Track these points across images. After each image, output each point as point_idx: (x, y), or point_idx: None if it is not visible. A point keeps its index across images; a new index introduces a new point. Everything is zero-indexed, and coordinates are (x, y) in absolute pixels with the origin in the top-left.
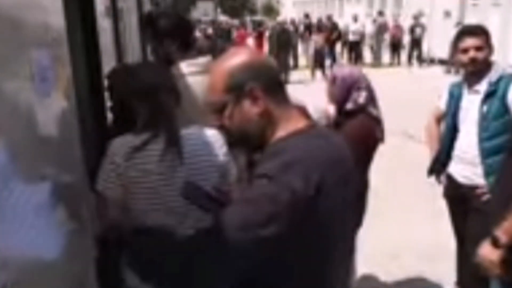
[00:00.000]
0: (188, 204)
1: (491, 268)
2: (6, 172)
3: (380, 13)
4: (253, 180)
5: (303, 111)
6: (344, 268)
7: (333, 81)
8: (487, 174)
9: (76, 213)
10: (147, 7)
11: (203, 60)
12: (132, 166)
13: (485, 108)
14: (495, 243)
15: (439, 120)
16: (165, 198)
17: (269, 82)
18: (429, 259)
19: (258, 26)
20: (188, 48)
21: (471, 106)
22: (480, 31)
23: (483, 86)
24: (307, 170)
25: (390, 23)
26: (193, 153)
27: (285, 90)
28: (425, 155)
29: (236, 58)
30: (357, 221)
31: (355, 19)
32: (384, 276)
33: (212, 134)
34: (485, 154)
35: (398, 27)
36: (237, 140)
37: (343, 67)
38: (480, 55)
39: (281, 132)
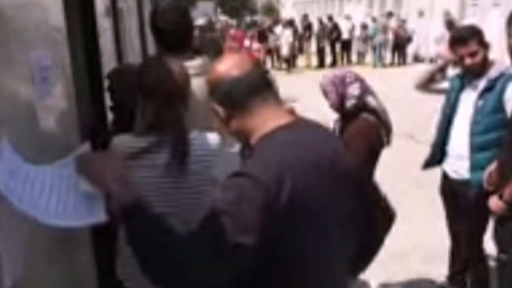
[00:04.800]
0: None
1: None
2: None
3: (390, 14)
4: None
5: (289, 109)
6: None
7: (324, 92)
8: (473, 169)
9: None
10: (147, 7)
11: (198, 62)
12: (132, 171)
13: (480, 103)
14: (501, 197)
15: None
16: (165, 209)
17: (237, 97)
18: (434, 260)
19: (253, 26)
20: (187, 48)
21: (468, 100)
22: (470, 36)
23: (482, 82)
24: (278, 172)
25: (393, 23)
26: (196, 161)
27: (268, 90)
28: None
29: (212, 74)
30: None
31: (348, 17)
32: (388, 277)
33: (212, 138)
34: (474, 148)
35: (401, 27)
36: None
37: (326, 75)
38: (476, 59)
39: (260, 132)
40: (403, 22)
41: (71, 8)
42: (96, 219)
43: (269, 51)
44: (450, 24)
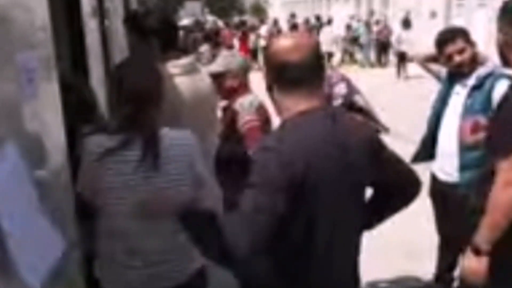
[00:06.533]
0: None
1: (476, 279)
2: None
3: (377, 22)
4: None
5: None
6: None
7: None
8: (462, 168)
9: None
10: (134, 7)
11: (186, 61)
12: (104, 169)
13: (469, 101)
14: (477, 252)
15: None
16: (136, 201)
17: (283, 77)
18: (417, 257)
19: (241, 26)
20: (172, 48)
21: (457, 98)
22: (456, 34)
23: (471, 80)
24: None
25: (377, 23)
26: (169, 158)
27: (308, 83)
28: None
29: (275, 48)
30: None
31: (329, 22)
32: (371, 273)
33: (188, 136)
34: (463, 148)
35: (386, 27)
36: None
37: None
38: (465, 56)
39: (286, 114)
40: (382, 22)
41: (56, 9)
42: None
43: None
44: (406, 23)
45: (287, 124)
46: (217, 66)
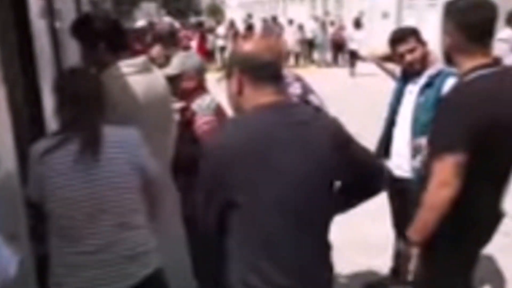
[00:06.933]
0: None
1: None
2: None
3: (332, 23)
4: None
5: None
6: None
7: None
8: (421, 164)
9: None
10: (86, 8)
11: (139, 60)
12: (46, 167)
13: (421, 99)
14: (409, 242)
15: None
16: (78, 198)
17: (253, 69)
18: (370, 252)
19: (199, 27)
20: (122, 50)
21: (410, 96)
22: (408, 34)
23: (422, 79)
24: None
25: (331, 23)
26: (109, 154)
27: (277, 78)
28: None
29: (244, 46)
30: None
31: (290, 22)
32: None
33: (130, 133)
34: (417, 145)
35: (342, 28)
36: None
37: None
38: (416, 55)
39: (247, 105)
40: (337, 23)
41: (3, 8)
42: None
43: (209, 52)
44: (358, 23)
45: (237, 119)
46: (172, 68)
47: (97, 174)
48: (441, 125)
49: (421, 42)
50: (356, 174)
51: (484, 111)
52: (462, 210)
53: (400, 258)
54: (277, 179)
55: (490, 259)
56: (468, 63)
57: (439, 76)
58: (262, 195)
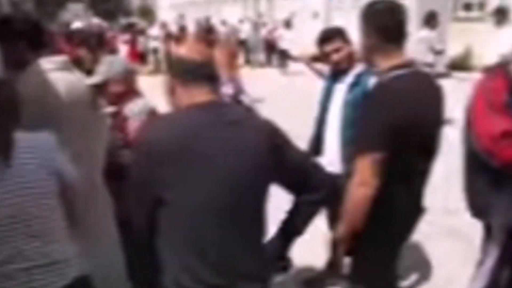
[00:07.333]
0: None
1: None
2: None
3: (264, 24)
4: None
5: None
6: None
7: None
8: (343, 161)
9: None
10: (6, 9)
11: (59, 58)
12: None
13: (348, 97)
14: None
15: None
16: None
17: (183, 72)
18: (311, 247)
19: (130, 28)
20: (42, 48)
21: (338, 95)
22: (333, 34)
23: (349, 77)
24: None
25: (265, 25)
26: (21, 160)
27: (209, 78)
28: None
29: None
30: None
31: (224, 23)
32: None
33: (43, 138)
34: (344, 142)
35: (274, 28)
36: None
37: None
38: (342, 54)
39: (182, 105)
40: (269, 23)
41: None
42: None
43: (141, 55)
44: (288, 24)
45: (167, 117)
46: (97, 77)
47: (8, 180)
48: (363, 124)
49: (347, 41)
50: (292, 175)
51: (403, 111)
52: (382, 207)
53: (334, 251)
54: (206, 178)
55: (415, 248)
56: (385, 63)
57: (365, 74)
58: (191, 193)
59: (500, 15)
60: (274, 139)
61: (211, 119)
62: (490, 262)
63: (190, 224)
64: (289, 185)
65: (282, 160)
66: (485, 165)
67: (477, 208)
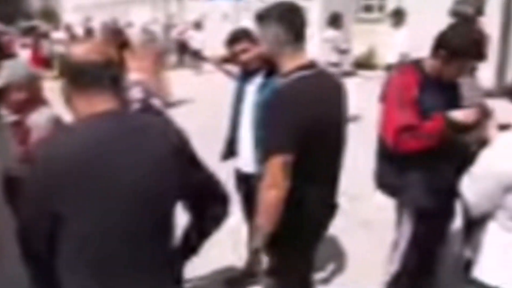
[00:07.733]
0: None
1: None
2: None
3: (175, 26)
4: None
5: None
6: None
7: None
8: (255, 161)
9: None
10: None
11: None
12: None
13: (258, 98)
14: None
15: None
16: None
17: (79, 77)
18: (222, 246)
19: (31, 32)
20: None
21: (249, 96)
22: (241, 35)
23: (259, 79)
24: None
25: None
26: None
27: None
28: None
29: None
30: None
31: (130, 24)
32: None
33: None
34: (256, 142)
35: (184, 30)
36: None
37: None
38: (250, 54)
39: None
40: (181, 25)
41: None
42: None
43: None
44: (198, 25)
45: (67, 129)
46: None
47: None
48: (270, 126)
49: (254, 42)
50: (194, 180)
51: (309, 111)
52: (293, 207)
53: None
54: (107, 196)
55: (332, 240)
56: (289, 64)
57: (274, 76)
58: (92, 209)
59: (397, 16)
60: (176, 143)
61: (112, 130)
62: (403, 243)
63: (89, 243)
64: (189, 197)
65: (186, 163)
66: (393, 152)
67: (390, 188)
